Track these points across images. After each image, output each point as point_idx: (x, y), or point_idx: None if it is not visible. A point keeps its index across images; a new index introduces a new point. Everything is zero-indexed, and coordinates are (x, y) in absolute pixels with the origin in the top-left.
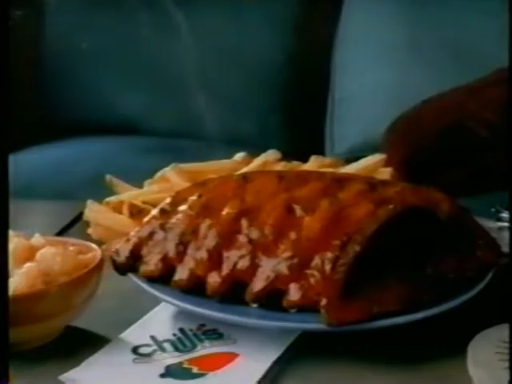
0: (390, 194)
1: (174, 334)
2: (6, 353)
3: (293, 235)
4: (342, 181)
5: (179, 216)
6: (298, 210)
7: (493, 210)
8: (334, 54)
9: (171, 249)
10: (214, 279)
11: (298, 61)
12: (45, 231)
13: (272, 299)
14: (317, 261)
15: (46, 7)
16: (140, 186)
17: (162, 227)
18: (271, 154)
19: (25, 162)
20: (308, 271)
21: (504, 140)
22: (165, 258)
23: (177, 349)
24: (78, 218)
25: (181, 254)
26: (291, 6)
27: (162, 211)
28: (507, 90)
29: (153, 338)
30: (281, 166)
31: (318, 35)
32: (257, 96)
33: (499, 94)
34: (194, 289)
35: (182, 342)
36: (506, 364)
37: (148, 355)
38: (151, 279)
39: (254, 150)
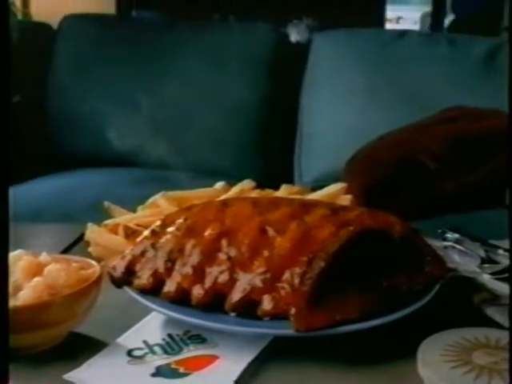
0: (350, 217)
1: (164, 339)
2: (7, 355)
3: (266, 253)
4: (308, 206)
5: (168, 236)
6: (271, 231)
7: (439, 231)
8: (302, 96)
9: (161, 265)
10: (197, 291)
11: (270, 101)
12: (51, 250)
13: (248, 309)
14: (287, 275)
15: (53, 50)
16: (134, 211)
17: (153, 246)
18: (247, 183)
19: (33, 191)
20: (279, 284)
21: (449, 171)
22: (155, 273)
23: (166, 352)
24: (80, 238)
25: (169, 270)
26: (265, 54)
27: (153, 232)
28: (457, 125)
29: (145, 342)
30: (255, 194)
31: (288, 79)
32: (234, 133)
33: (445, 131)
34: (181, 300)
35: (170, 346)
36: (451, 364)
37: (141, 357)
38: (143, 291)
39: (232, 180)
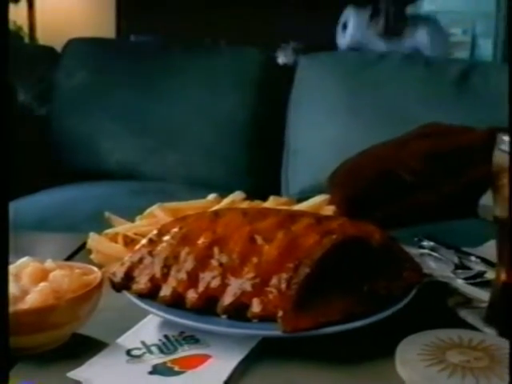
0: (333, 226)
1: (160, 340)
2: (7, 357)
3: (255, 260)
4: (294, 216)
5: (164, 244)
6: (259, 240)
7: (415, 239)
8: (288, 114)
9: (157, 271)
10: (191, 295)
11: (259, 119)
12: (55, 257)
13: (238, 311)
14: (274, 280)
15: (56, 70)
16: (132, 221)
17: (150, 253)
18: (237, 195)
19: (38, 202)
20: (267, 289)
21: (425, 183)
22: (152, 279)
23: (162, 351)
24: (82, 246)
25: (165, 275)
26: (254, 75)
27: (150, 241)
28: (433, 141)
29: (143, 342)
30: (245, 205)
31: (276, 98)
32: (226, 147)
33: (421, 146)
34: (176, 303)
35: (166, 346)
36: (427, 363)
37: (139, 356)
38: (141, 295)
39: (224, 192)
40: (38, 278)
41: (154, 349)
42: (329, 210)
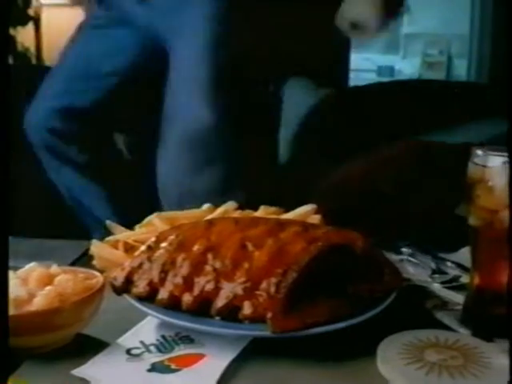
0: (318, 234)
1: (158, 340)
2: (6, 358)
3: (246, 265)
4: (283, 224)
5: (161, 251)
6: (250, 246)
7: (395, 245)
8: (280, 132)
9: (155, 275)
10: (187, 298)
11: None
12: (60, 263)
13: (231, 313)
14: (264, 284)
15: None
16: (132, 229)
17: (149, 259)
18: (230, 205)
19: None
20: (258, 292)
21: (404, 196)
22: (151, 283)
23: (160, 350)
24: (85, 252)
25: (162, 280)
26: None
27: (149, 247)
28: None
29: (142, 342)
30: (237, 214)
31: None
32: None
33: (403, 161)
34: (173, 305)
35: (163, 346)
36: (406, 361)
37: (138, 355)
38: (140, 298)
39: (217, 202)
40: (44, 282)
41: (152, 348)
42: (315, 219)
